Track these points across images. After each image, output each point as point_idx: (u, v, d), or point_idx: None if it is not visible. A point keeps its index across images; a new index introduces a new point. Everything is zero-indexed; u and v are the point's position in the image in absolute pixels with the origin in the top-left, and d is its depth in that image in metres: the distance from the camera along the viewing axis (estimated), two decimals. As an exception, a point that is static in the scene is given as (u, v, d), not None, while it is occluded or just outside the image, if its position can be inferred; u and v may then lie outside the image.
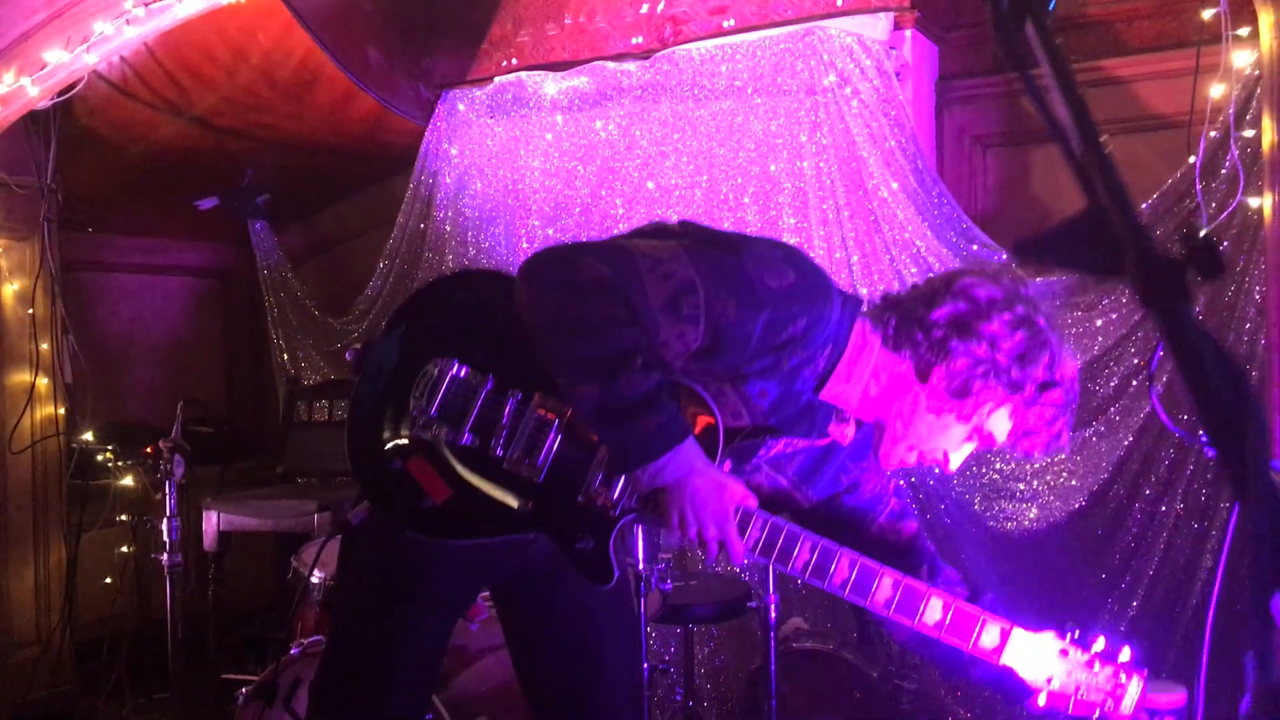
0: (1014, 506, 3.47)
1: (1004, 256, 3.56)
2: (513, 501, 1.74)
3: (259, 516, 4.27)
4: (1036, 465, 3.46)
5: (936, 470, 3.59)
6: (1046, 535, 3.39)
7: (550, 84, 4.52)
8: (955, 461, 1.78)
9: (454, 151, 4.72)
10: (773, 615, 2.91)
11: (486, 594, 2.70)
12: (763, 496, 1.83)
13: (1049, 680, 1.69)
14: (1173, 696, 2.34)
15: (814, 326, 1.70)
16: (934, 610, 1.70)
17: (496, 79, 4.64)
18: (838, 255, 3.83)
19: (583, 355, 1.62)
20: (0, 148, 4.25)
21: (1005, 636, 1.70)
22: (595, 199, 4.36)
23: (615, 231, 4.29)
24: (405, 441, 1.76)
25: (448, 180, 4.72)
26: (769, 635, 3.10)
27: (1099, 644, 1.70)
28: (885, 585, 1.69)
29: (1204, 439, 1.55)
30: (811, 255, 3.81)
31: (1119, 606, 3.29)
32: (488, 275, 2.11)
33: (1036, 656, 1.69)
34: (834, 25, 3.89)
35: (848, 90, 3.83)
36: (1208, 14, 2.93)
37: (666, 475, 1.64)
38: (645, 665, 2.77)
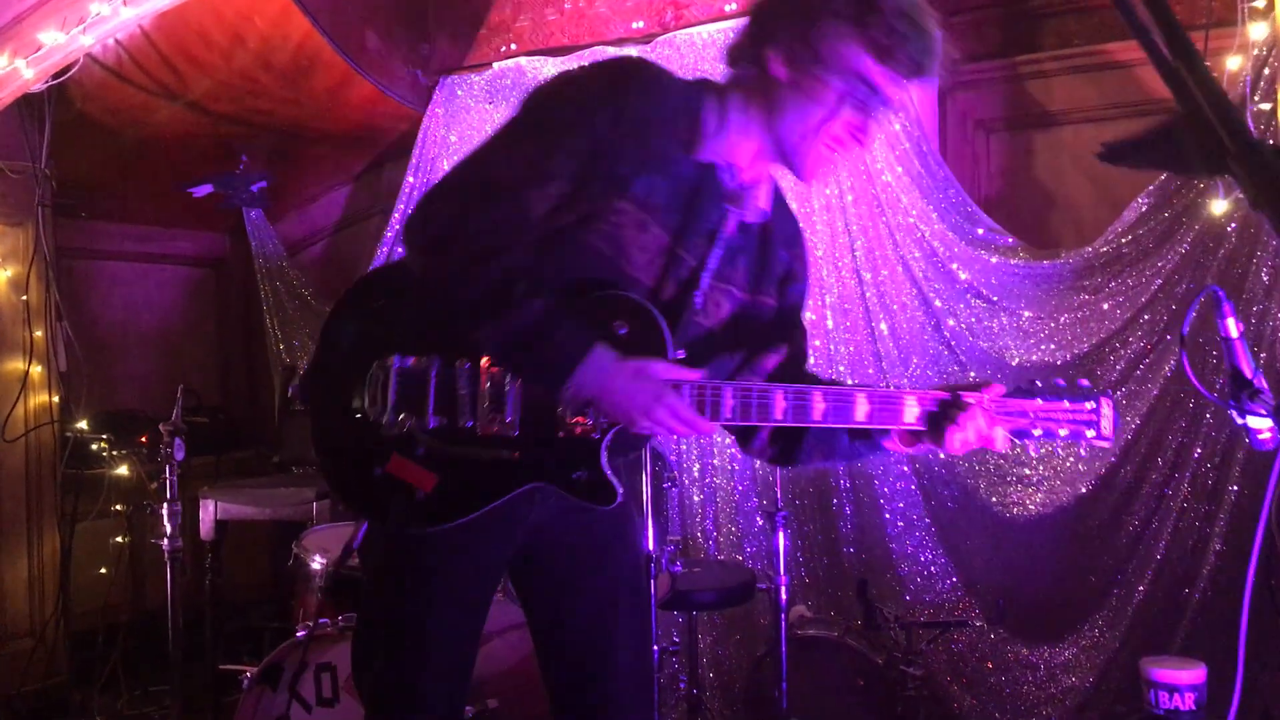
0: (1019, 491, 3.46)
1: (1010, 240, 3.55)
2: (498, 462, 1.74)
3: (256, 505, 4.22)
4: (1042, 451, 3.44)
5: (943, 456, 3.58)
6: (1053, 520, 3.38)
7: (550, 69, 4.49)
8: (867, 127, 1.72)
9: (452, 138, 4.68)
10: (783, 597, 2.89)
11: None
12: (726, 325, 1.85)
13: (1033, 428, 1.75)
14: (1193, 672, 2.33)
15: (649, 100, 1.73)
16: (911, 409, 1.72)
17: (495, 64, 4.61)
18: (841, 240, 3.81)
19: (467, 303, 1.67)
20: (-7, 131, 4.20)
21: (980, 406, 1.72)
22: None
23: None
24: (376, 446, 1.77)
25: (445, 166, 4.68)
26: (778, 618, 3.08)
27: (1058, 384, 1.77)
28: (862, 401, 1.71)
29: (1232, 404, 1.53)
30: (814, 240, 3.81)
31: (1126, 590, 3.28)
32: (390, 267, 2.13)
33: (1014, 416, 1.74)
34: (837, 9, 3.87)
35: (851, 74, 3.81)
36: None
37: (588, 388, 1.65)
38: (655, 647, 2.74)
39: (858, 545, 3.75)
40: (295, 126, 4.88)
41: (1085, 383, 1.76)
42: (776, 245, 1.90)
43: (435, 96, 4.72)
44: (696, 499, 4.03)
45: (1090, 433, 1.74)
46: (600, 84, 1.74)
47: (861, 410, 1.70)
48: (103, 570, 4.64)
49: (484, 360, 1.75)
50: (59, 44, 3.98)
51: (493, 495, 1.74)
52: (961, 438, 1.69)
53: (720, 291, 1.85)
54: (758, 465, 3.93)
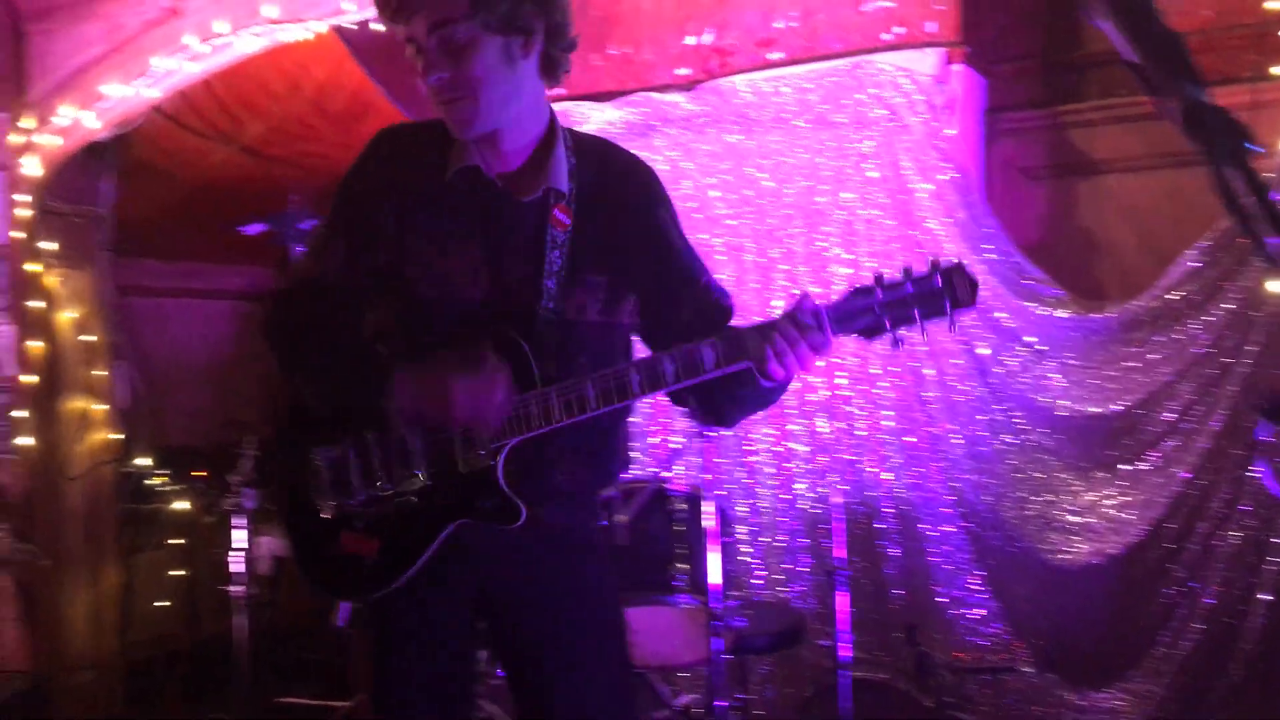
0: (1067, 538, 3.52)
1: (1058, 291, 3.61)
2: (422, 511, 1.86)
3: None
4: (1089, 498, 3.51)
5: (985, 498, 3.62)
6: (1101, 567, 3.43)
7: (596, 113, 4.57)
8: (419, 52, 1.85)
9: (500, 179, 4.76)
10: (843, 653, 2.96)
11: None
12: (598, 315, 1.90)
13: (883, 320, 1.72)
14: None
15: (391, 151, 1.95)
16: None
17: (541, 108, 4.68)
18: (887, 286, 3.87)
19: (303, 378, 1.94)
20: (59, 179, 4.31)
21: (823, 316, 1.72)
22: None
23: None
24: (325, 532, 1.89)
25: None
26: (827, 663, 3.15)
27: (905, 270, 1.74)
28: (705, 350, 1.75)
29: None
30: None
31: (1174, 639, 3.33)
32: None
33: (855, 316, 1.73)
34: (883, 59, 3.94)
35: (897, 124, 3.89)
36: (1277, 69, 2.98)
37: (406, 405, 1.80)
38: (721, 703, 2.82)
39: (904, 587, 3.82)
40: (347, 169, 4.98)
41: (934, 259, 1.72)
42: (619, 220, 1.93)
43: (482, 138, 4.81)
44: (742, 535, 4.10)
45: (948, 304, 1.69)
46: (356, 162, 1.98)
47: (709, 360, 1.74)
48: (162, 603, 4.75)
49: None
50: (123, 96, 4.09)
51: (425, 543, 1.86)
52: (773, 351, 1.71)
53: (575, 286, 1.89)
54: (804, 505, 4.00)
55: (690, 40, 4.39)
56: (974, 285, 1.71)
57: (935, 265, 1.72)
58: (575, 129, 2.01)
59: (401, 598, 1.90)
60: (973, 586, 3.67)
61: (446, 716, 2.00)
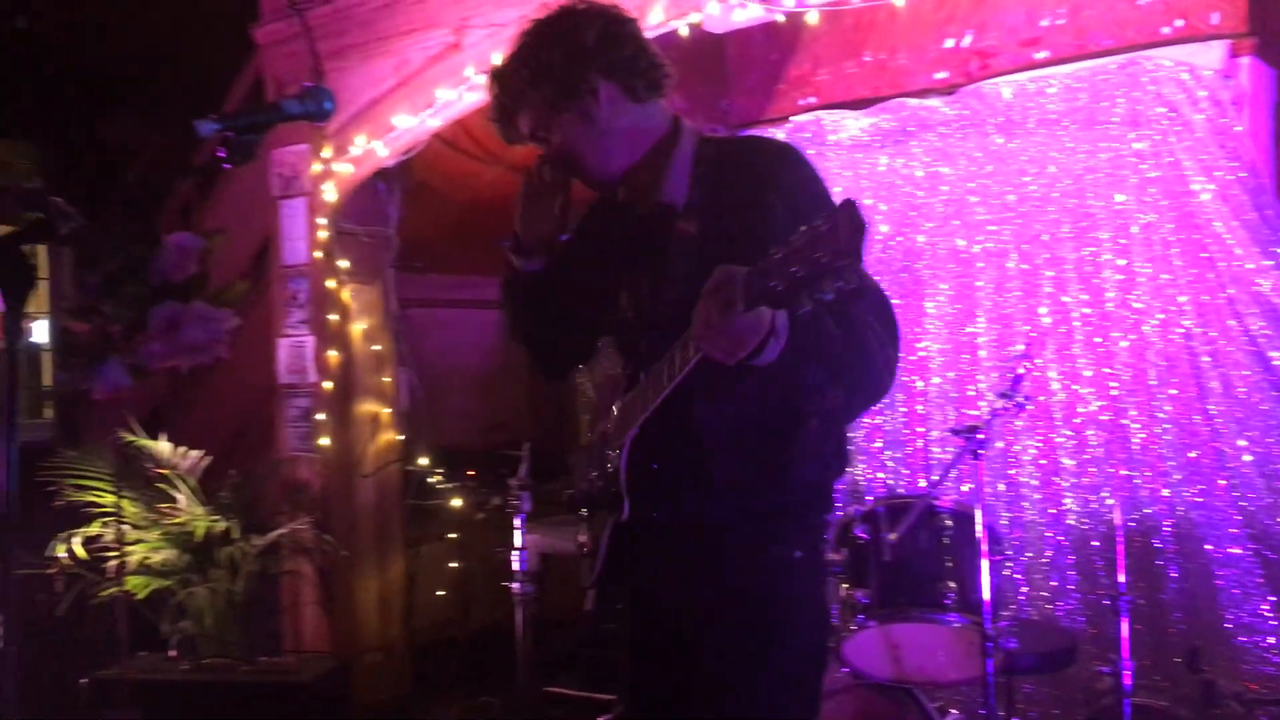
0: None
1: (1364, 298, 3.34)
2: (599, 508, 2.02)
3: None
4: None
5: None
6: None
7: (850, 121, 4.55)
8: None
9: (753, 189, 4.83)
10: (1127, 682, 2.86)
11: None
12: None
13: (778, 285, 1.45)
14: None
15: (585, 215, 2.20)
16: None
17: (793, 118, 4.71)
18: (1168, 292, 3.69)
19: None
20: (351, 202, 4.72)
21: (737, 284, 1.54)
22: (898, 236, 4.36)
23: (914, 269, 4.31)
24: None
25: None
26: (1111, 695, 3.04)
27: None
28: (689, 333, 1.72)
29: None
30: (1136, 294, 3.70)
31: None
32: None
33: (765, 277, 1.47)
34: (1160, 55, 3.75)
35: (1177, 121, 3.69)
36: None
37: None
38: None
39: (1185, 610, 3.62)
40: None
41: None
42: (742, 215, 1.82)
43: (735, 149, 4.90)
44: (1005, 551, 3.99)
45: (823, 257, 1.39)
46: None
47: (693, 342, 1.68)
48: (440, 592, 5.13)
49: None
50: (409, 126, 4.44)
51: (600, 538, 2.00)
52: (700, 331, 1.60)
53: (689, 290, 1.80)
54: (1073, 520, 3.86)
55: (949, 43, 4.33)
56: (858, 228, 1.38)
57: (836, 209, 1.41)
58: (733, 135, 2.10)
59: (614, 593, 2.05)
60: (1264, 612, 3.45)
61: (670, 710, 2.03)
